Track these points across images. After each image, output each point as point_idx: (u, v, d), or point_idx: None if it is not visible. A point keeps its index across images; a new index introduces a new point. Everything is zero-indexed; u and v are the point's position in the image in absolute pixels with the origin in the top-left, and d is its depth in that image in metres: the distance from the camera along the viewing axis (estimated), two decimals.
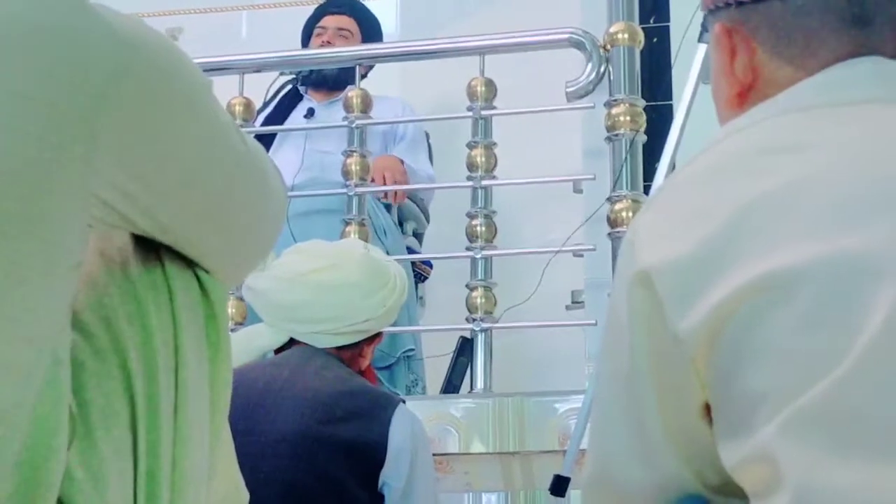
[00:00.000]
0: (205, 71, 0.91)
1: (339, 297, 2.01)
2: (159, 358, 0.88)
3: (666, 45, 3.21)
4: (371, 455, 1.89)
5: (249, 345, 2.06)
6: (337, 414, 1.90)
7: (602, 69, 2.91)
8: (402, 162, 3.48)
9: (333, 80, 3.56)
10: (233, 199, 0.94)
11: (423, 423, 2.06)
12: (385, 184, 3.37)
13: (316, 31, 3.69)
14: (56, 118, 0.77)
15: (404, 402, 2.00)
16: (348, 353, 2.04)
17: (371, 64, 3.37)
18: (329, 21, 3.70)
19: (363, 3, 3.85)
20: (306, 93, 3.68)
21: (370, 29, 3.71)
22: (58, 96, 0.77)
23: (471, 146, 3.00)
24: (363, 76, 3.20)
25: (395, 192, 3.43)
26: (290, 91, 3.69)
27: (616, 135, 2.83)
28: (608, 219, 2.78)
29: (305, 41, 3.73)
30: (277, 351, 2.07)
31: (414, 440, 1.94)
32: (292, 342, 2.04)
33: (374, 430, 1.90)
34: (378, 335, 2.11)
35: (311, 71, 3.62)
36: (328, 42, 3.61)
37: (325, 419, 1.89)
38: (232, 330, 2.60)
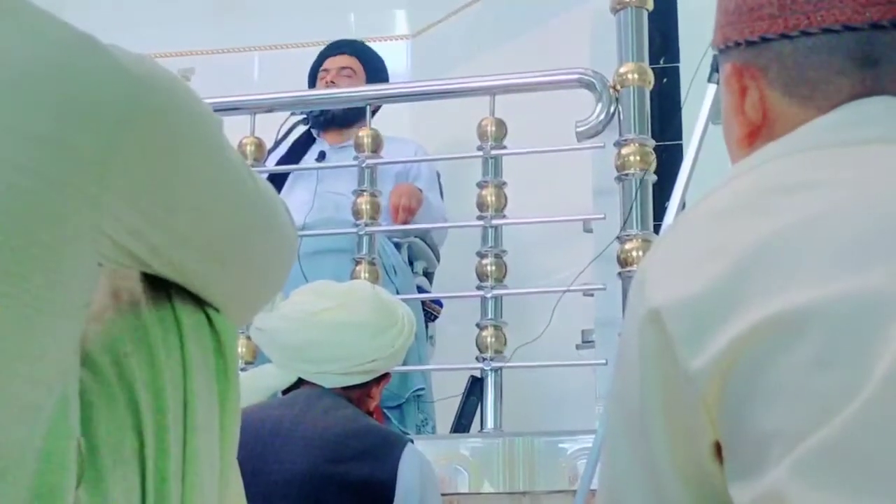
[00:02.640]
0: (216, 111, 0.92)
1: (347, 336, 2.01)
2: (168, 396, 0.87)
3: (676, 85, 3.22)
4: (379, 495, 1.88)
5: (257, 385, 2.06)
6: (345, 454, 1.89)
7: (612, 109, 2.92)
8: (420, 191, 3.49)
9: (342, 119, 3.56)
10: (243, 237, 0.94)
11: (432, 462, 2.05)
12: (398, 208, 3.37)
13: (320, 74, 3.69)
14: (67, 158, 0.77)
15: (413, 441, 1.99)
16: (356, 394, 2.04)
17: (380, 104, 3.38)
18: (330, 62, 3.69)
19: (366, 43, 3.84)
20: (318, 136, 3.69)
21: (374, 68, 3.70)
22: (69, 136, 0.77)
23: (481, 186, 3.00)
24: (373, 113, 3.21)
25: (401, 209, 3.41)
26: (302, 134, 3.70)
27: (626, 174, 2.84)
28: (618, 258, 2.78)
29: (311, 86, 3.72)
30: (286, 391, 2.07)
31: (422, 480, 1.93)
32: (301, 382, 2.04)
33: (382, 470, 1.89)
34: (386, 376, 2.10)
35: (321, 113, 3.62)
36: (332, 82, 3.61)
37: (334, 459, 1.89)
38: (242, 369, 2.60)
